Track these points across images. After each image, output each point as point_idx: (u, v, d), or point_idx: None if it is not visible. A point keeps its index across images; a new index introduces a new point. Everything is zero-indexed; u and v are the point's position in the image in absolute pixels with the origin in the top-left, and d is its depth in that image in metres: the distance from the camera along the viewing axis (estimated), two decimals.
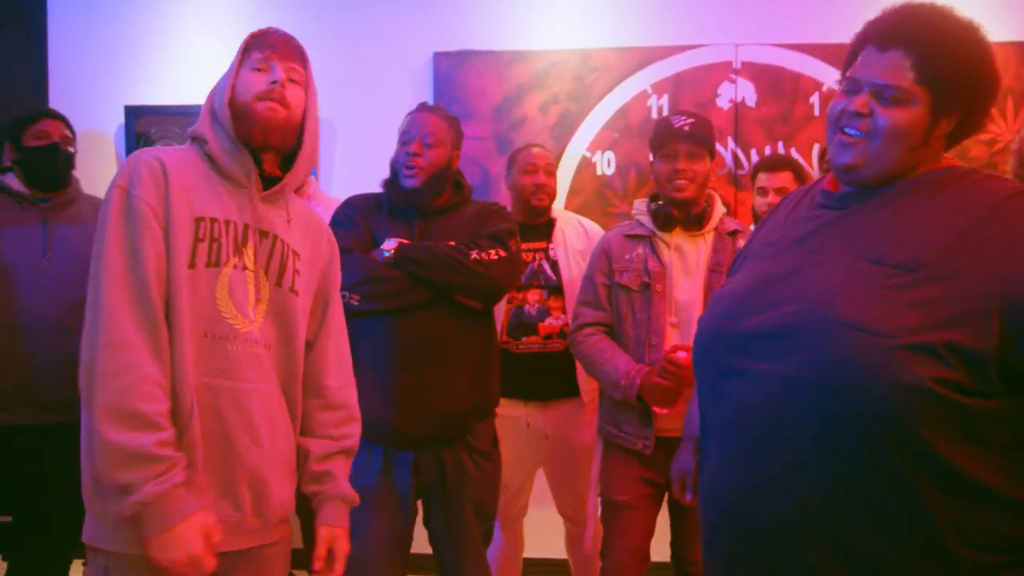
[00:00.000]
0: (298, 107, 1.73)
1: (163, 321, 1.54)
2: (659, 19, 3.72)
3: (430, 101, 3.65)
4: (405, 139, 2.40)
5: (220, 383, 1.60)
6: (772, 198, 3.14)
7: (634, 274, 2.48)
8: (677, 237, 2.50)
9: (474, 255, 2.27)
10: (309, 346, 1.81)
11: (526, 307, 2.93)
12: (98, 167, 3.86)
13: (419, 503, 2.46)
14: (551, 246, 2.99)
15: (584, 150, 3.72)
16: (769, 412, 1.28)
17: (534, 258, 2.97)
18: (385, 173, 3.23)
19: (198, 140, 1.71)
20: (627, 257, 2.51)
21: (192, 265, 1.59)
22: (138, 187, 1.57)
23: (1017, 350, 1.14)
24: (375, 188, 3.14)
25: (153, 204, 1.56)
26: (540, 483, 3.14)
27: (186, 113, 3.79)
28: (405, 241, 2.32)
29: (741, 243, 2.41)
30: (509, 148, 3.65)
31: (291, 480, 1.75)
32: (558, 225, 3.05)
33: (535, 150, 3.10)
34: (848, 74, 1.36)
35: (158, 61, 3.90)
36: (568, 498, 3.03)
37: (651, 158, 2.55)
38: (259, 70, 1.70)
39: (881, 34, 1.33)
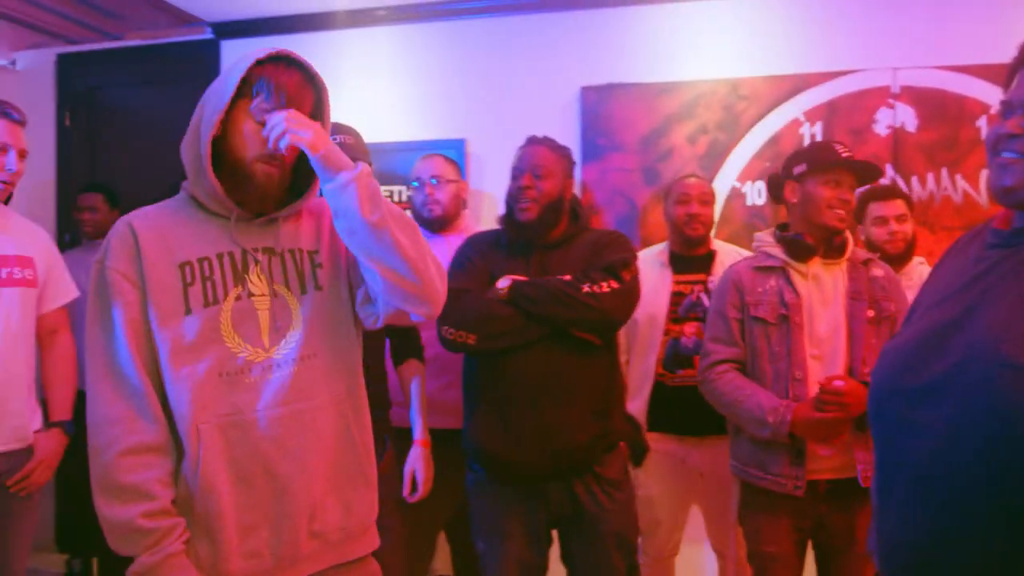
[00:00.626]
0: (292, 153, 1.61)
1: (147, 384, 1.52)
2: (811, 45, 3.64)
3: (578, 134, 3.75)
4: (516, 173, 2.43)
5: (247, 418, 1.55)
6: (894, 226, 3.06)
7: (769, 307, 2.40)
8: (814, 267, 2.42)
9: (586, 288, 2.26)
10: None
11: (683, 339, 2.90)
12: None
13: (554, 533, 2.46)
14: (710, 279, 2.96)
15: (734, 180, 3.67)
16: (940, 466, 1.24)
17: (692, 290, 2.94)
18: None
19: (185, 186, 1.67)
20: (760, 290, 2.43)
21: (189, 311, 1.55)
22: (109, 257, 1.56)
23: None
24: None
25: (124, 269, 1.54)
26: (691, 520, 3.09)
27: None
28: (520, 278, 2.33)
29: (875, 271, 2.40)
30: (656, 180, 3.65)
31: (359, 489, 1.68)
32: (719, 258, 3.02)
33: (690, 180, 3.10)
34: (1003, 98, 1.32)
35: None
36: (721, 535, 2.96)
37: (794, 172, 2.47)
38: (261, 123, 1.57)
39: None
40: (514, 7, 3.92)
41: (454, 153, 3.85)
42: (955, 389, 1.23)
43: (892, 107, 3.51)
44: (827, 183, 2.40)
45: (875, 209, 3.10)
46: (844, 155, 2.39)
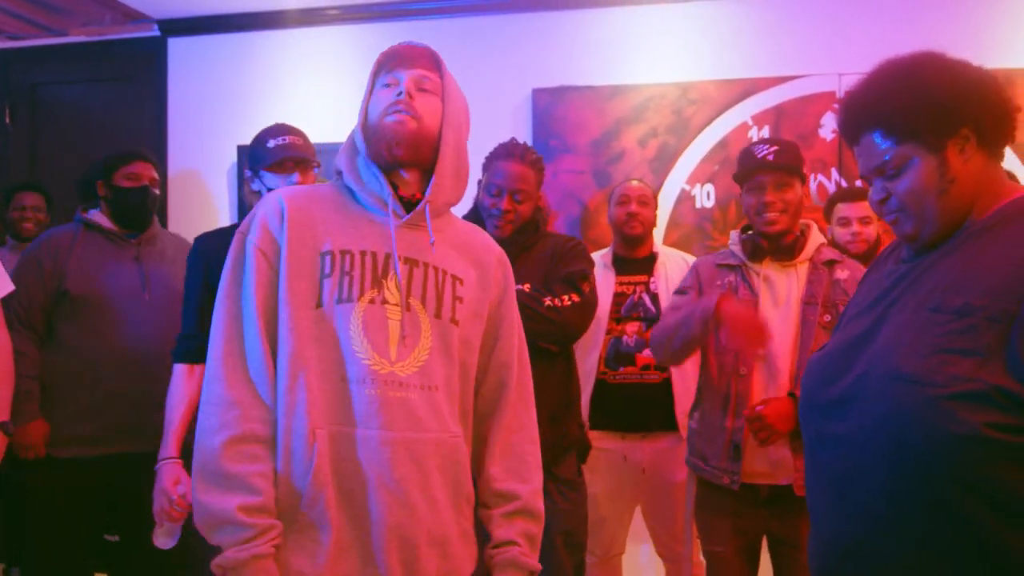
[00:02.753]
0: (432, 117, 1.58)
1: (270, 371, 1.45)
2: (759, 51, 3.70)
3: (529, 136, 3.75)
4: (493, 190, 2.40)
5: (358, 433, 1.44)
6: (856, 227, 3.09)
7: None
8: (767, 268, 2.41)
9: (547, 301, 2.28)
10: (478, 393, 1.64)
11: (624, 338, 2.95)
12: (211, 203, 4.05)
13: None
14: (652, 279, 3.01)
15: (683, 183, 3.71)
16: (846, 477, 1.30)
17: (635, 290, 2.99)
18: None
19: (337, 172, 1.62)
20: (718, 283, 2.44)
21: (319, 304, 1.47)
22: (253, 231, 1.51)
23: None
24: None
25: (265, 248, 1.49)
26: (639, 519, 3.11)
27: None
28: None
29: (839, 274, 2.36)
30: (607, 182, 3.68)
31: (460, 544, 1.55)
32: (660, 259, 3.07)
33: (631, 183, 3.17)
34: (859, 175, 1.46)
35: (267, 102, 4.06)
36: (665, 537, 2.99)
37: (736, 181, 2.49)
38: (388, 86, 1.59)
39: (849, 133, 1.41)
40: (466, 9, 3.93)
41: None
42: (858, 401, 1.29)
43: (837, 112, 3.57)
44: (750, 190, 2.41)
45: (841, 210, 3.15)
46: (760, 156, 2.38)
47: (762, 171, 2.37)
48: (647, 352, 2.91)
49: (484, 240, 1.73)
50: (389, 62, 1.61)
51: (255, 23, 4.08)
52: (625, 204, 3.08)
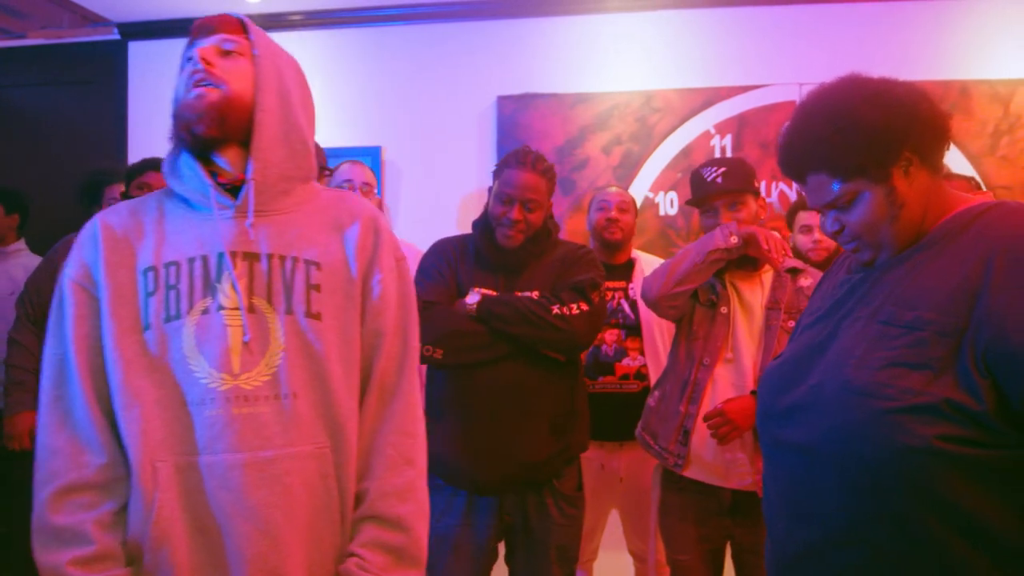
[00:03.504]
0: (240, 82, 1.39)
1: (96, 412, 1.32)
2: (722, 60, 3.74)
3: (494, 143, 3.76)
4: (504, 199, 2.36)
5: (205, 460, 1.30)
6: (818, 235, 3.13)
7: (703, 289, 2.44)
8: (731, 277, 2.46)
9: (555, 310, 2.26)
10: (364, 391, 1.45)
11: (603, 347, 2.93)
12: None
13: (501, 544, 2.46)
14: (630, 286, 3.01)
15: (647, 190, 3.74)
16: (802, 485, 1.32)
17: (613, 297, 2.98)
18: (449, 214, 3.28)
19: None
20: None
21: (148, 327, 1.33)
22: (69, 266, 1.38)
23: (1014, 402, 1.12)
24: (440, 227, 3.19)
25: (80, 279, 1.36)
26: (611, 526, 3.12)
27: None
28: (489, 293, 2.32)
29: (803, 281, 2.41)
30: (572, 189, 3.69)
31: (333, 564, 1.39)
32: (638, 265, 3.08)
33: (611, 189, 3.19)
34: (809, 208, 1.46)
35: None
36: (638, 539, 3.00)
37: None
38: (188, 60, 1.42)
39: (791, 174, 1.42)
40: (431, 15, 3.92)
41: (370, 160, 3.83)
42: (811, 411, 1.31)
43: (777, 153, 3.60)
44: (705, 213, 2.48)
45: (803, 218, 3.19)
46: (709, 179, 2.42)
47: (714, 195, 2.42)
48: (626, 361, 2.92)
49: (352, 206, 1.51)
50: (189, 39, 1.45)
51: None
52: (605, 210, 3.08)
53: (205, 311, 1.34)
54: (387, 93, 3.96)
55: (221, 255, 1.36)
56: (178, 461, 1.31)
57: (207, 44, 1.41)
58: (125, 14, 4.08)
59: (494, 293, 2.33)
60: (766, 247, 2.34)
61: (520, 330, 2.25)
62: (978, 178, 3.43)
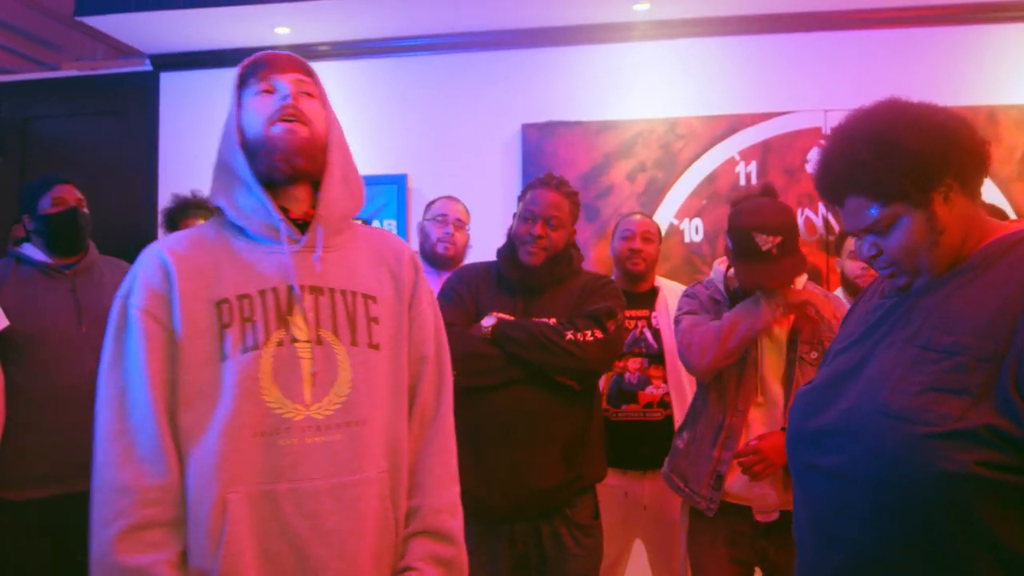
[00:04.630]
0: (319, 123, 1.45)
1: (166, 445, 1.31)
2: (746, 87, 3.75)
3: (519, 170, 3.78)
4: (528, 216, 2.39)
5: (280, 488, 1.32)
6: None
7: None
8: None
9: (569, 336, 2.26)
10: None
11: (626, 375, 2.92)
12: None
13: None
14: (654, 314, 2.99)
15: (672, 217, 3.74)
16: (833, 508, 1.30)
17: (636, 325, 2.96)
18: (476, 242, 3.29)
19: (218, 208, 1.46)
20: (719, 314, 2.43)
21: (224, 357, 1.34)
22: (135, 294, 1.37)
23: None
24: (464, 255, 3.20)
25: (153, 310, 1.35)
26: (635, 556, 3.09)
27: None
28: (506, 317, 2.33)
29: (824, 311, 2.38)
30: (597, 216, 3.70)
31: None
32: (661, 294, 3.06)
33: (635, 217, 3.15)
34: (846, 232, 1.44)
35: None
36: (665, 570, 2.97)
37: (727, 244, 2.37)
38: (263, 92, 1.44)
39: (829, 197, 1.40)
40: (456, 45, 3.97)
41: (396, 188, 3.87)
42: (844, 435, 1.30)
43: (814, 176, 3.59)
44: (740, 269, 2.34)
45: (851, 244, 3.15)
46: (764, 248, 2.26)
47: (767, 262, 2.27)
48: (649, 389, 2.90)
49: (392, 243, 1.59)
50: (257, 69, 1.47)
51: (247, 58, 4.10)
52: (629, 240, 3.07)
53: (280, 343, 1.36)
54: (413, 122, 4.00)
55: (291, 288, 1.39)
56: (251, 491, 1.32)
57: (287, 80, 1.45)
58: (157, 46, 4.15)
59: (511, 318, 2.33)
60: (816, 316, 2.31)
61: (533, 355, 2.25)
62: (1008, 204, 3.41)
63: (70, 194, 2.78)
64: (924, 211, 1.30)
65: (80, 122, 4.48)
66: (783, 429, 2.24)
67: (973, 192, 1.33)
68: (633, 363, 2.92)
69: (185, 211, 3.26)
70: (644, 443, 2.79)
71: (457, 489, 1.54)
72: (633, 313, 2.96)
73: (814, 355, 2.33)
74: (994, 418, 1.13)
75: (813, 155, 3.62)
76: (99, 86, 4.42)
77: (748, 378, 2.38)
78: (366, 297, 1.46)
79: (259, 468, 1.32)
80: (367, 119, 4.00)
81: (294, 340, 1.37)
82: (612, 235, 3.21)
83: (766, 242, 2.25)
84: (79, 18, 3.75)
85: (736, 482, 2.31)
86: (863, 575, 1.25)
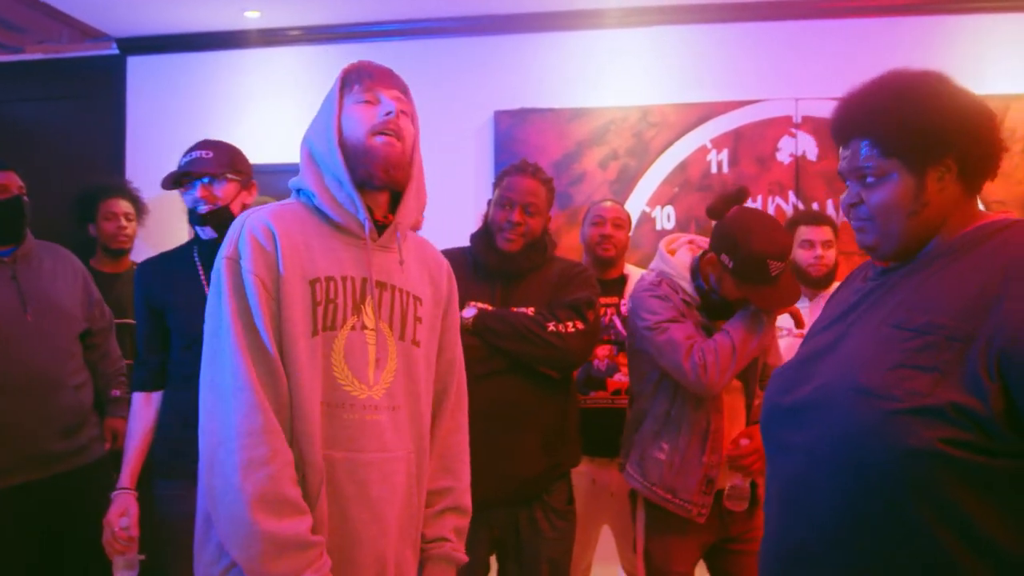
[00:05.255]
0: (409, 140, 1.59)
1: (287, 397, 1.45)
2: (718, 75, 3.76)
3: (491, 157, 3.77)
4: (505, 202, 2.40)
5: (338, 456, 1.48)
6: (820, 251, 3.13)
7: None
8: (723, 321, 2.38)
9: (551, 327, 2.27)
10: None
11: (595, 362, 2.92)
12: (170, 224, 3.99)
13: (492, 558, 2.45)
14: (622, 302, 3.00)
15: (644, 205, 3.75)
16: (800, 485, 1.31)
17: (605, 313, 2.96)
18: (446, 228, 3.28)
19: (305, 192, 1.58)
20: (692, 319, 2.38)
21: (315, 332, 1.48)
22: (247, 259, 1.46)
23: (1021, 406, 1.12)
24: (435, 241, 3.19)
25: (263, 275, 1.45)
26: (602, 542, 3.11)
27: (257, 172, 3.91)
28: (485, 307, 2.33)
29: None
30: (569, 203, 3.70)
31: (415, 548, 1.63)
32: (630, 281, 3.06)
33: (606, 203, 3.15)
34: (838, 170, 1.44)
35: (228, 122, 4.05)
36: (632, 555, 2.99)
37: (722, 260, 2.28)
38: (367, 102, 1.56)
39: (838, 134, 1.41)
40: (428, 31, 3.95)
41: None
42: (815, 411, 1.31)
43: (794, 136, 3.64)
44: (742, 289, 2.28)
45: (804, 232, 3.18)
46: (774, 274, 2.22)
47: (772, 284, 2.25)
48: (618, 377, 2.90)
49: (435, 254, 1.77)
50: (363, 78, 1.59)
51: (216, 42, 4.06)
52: (600, 225, 3.06)
53: (353, 327, 1.52)
54: None
55: (365, 280, 1.55)
56: (318, 454, 1.46)
57: (390, 97, 1.58)
58: (124, 29, 4.09)
59: (490, 308, 2.33)
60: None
61: (516, 346, 2.26)
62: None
63: (12, 181, 2.72)
64: (915, 178, 1.31)
65: (45, 107, 4.40)
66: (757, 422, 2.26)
67: (970, 185, 1.34)
68: (602, 350, 2.93)
69: (107, 192, 3.21)
70: (612, 430, 2.80)
71: (470, 471, 1.77)
72: (603, 300, 2.96)
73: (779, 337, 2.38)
74: (961, 396, 1.14)
75: (784, 143, 3.64)
76: (65, 70, 4.35)
77: None
78: (416, 298, 1.63)
79: (326, 436, 1.47)
80: None
81: (364, 327, 1.53)
82: (583, 221, 3.20)
83: (777, 268, 2.23)
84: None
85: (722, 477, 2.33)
86: (827, 550, 1.26)
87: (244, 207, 2.28)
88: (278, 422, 1.42)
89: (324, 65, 4.02)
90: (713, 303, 2.37)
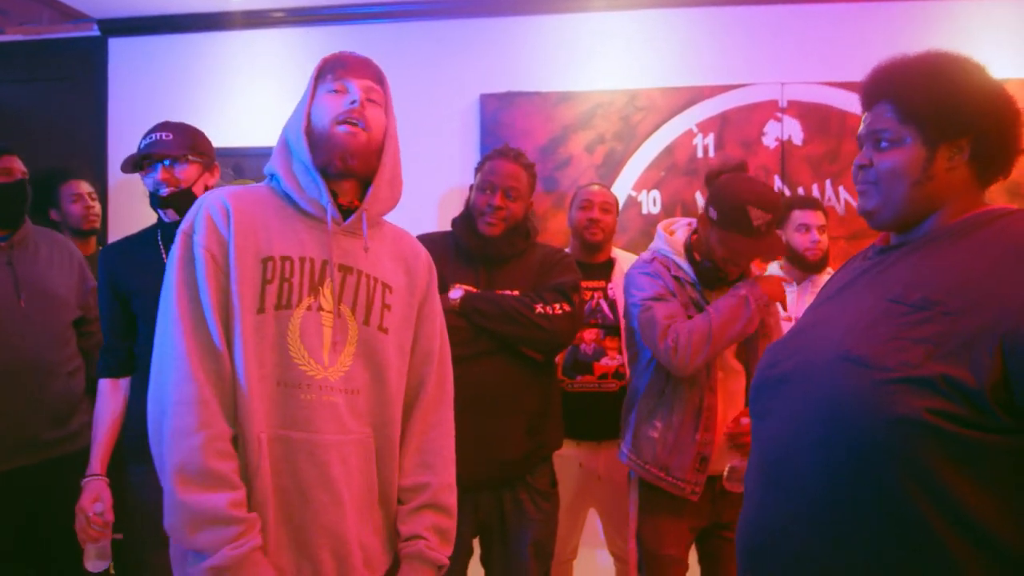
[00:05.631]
0: (379, 130, 1.63)
1: (229, 371, 1.46)
2: (705, 59, 3.75)
3: (477, 141, 3.75)
4: (487, 187, 2.41)
5: (295, 436, 1.49)
6: (816, 235, 3.17)
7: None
8: (714, 294, 2.43)
9: (539, 309, 2.29)
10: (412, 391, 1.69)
11: (582, 346, 2.93)
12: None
13: (476, 542, 2.46)
14: (610, 286, 3.01)
15: (630, 189, 3.74)
16: (782, 451, 1.33)
17: (592, 296, 2.98)
18: (432, 212, 3.28)
19: (274, 177, 1.62)
20: (680, 296, 2.42)
21: (261, 309, 1.49)
22: (200, 233, 1.50)
23: (1017, 391, 1.13)
24: (421, 225, 3.18)
25: (214, 250, 1.49)
26: (589, 525, 3.12)
27: (240, 155, 3.89)
28: (471, 289, 2.34)
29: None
30: (555, 187, 3.69)
31: (381, 536, 1.62)
32: (618, 265, 3.07)
33: (594, 187, 3.16)
34: (857, 133, 1.47)
35: (211, 105, 4.01)
36: (619, 539, 3.01)
37: (709, 214, 2.34)
38: (336, 91, 1.61)
39: (867, 96, 1.44)
40: (413, 12, 3.92)
41: None
42: (803, 380, 1.33)
43: (780, 120, 3.64)
44: (731, 245, 2.31)
45: (799, 216, 3.22)
46: (756, 224, 2.26)
47: (757, 237, 2.28)
48: (605, 361, 2.91)
49: (413, 245, 1.78)
50: (336, 68, 1.63)
51: (199, 24, 4.01)
52: (587, 209, 3.07)
53: (309, 308, 1.53)
54: None
55: (326, 262, 1.57)
56: (273, 434, 1.48)
57: (358, 85, 1.61)
58: (105, 10, 4.04)
59: (476, 290, 2.33)
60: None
61: (503, 327, 2.27)
62: None
63: (16, 166, 2.72)
64: (927, 150, 1.34)
65: (25, 89, 4.34)
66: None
67: (981, 174, 1.37)
68: (589, 334, 2.93)
69: (65, 175, 3.20)
70: (599, 414, 2.81)
71: (455, 470, 1.72)
72: (590, 284, 2.97)
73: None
74: (952, 369, 1.15)
75: (770, 127, 3.64)
76: (45, 52, 4.29)
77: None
78: (385, 286, 1.64)
79: (282, 414, 1.49)
80: None
81: (320, 308, 1.55)
82: (570, 205, 3.21)
83: (759, 218, 2.25)
84: None
85: (713, 456, 2.35)
86: (807, 521, 1.27)
87: (207, 189, 2.27)
88: (214, 395, 1.44)
89: (308, 47, 3.98)
90: (707, 274, 2.40)
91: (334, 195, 1.60)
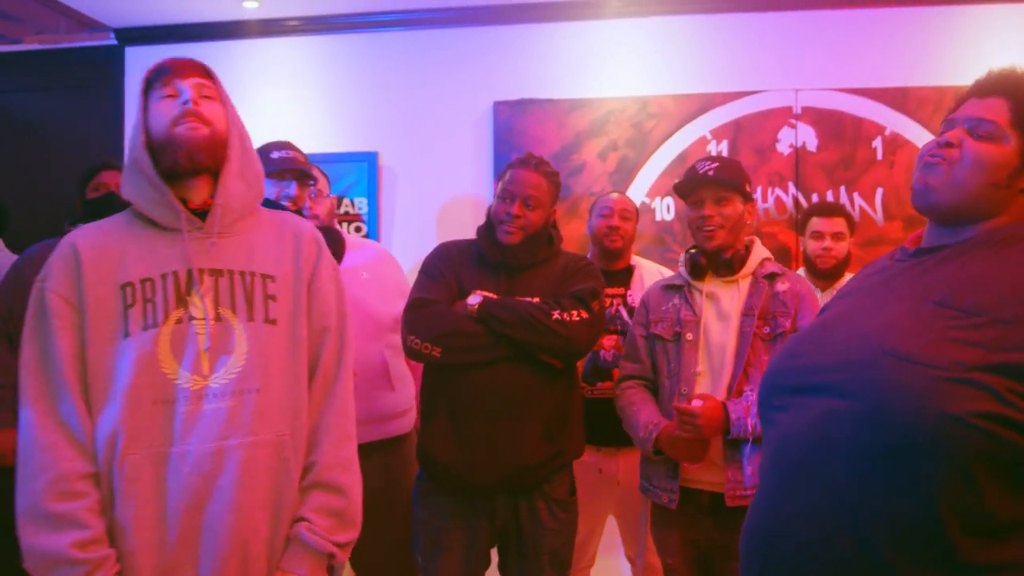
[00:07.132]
0: (219, 122, 1.63)
1: (81, 410, 1.49)
2: (717, 66, 3.75)
3: (490, 148, 3.77)
4: (506, 196, 2.41)
5: (177, 450, 1.50)
6: (828, 243, 3.16)
7: (668, 324, 2.44)
8: (710, 284, 2.43)
9: (556, 315, 2.28)
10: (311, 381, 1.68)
11: (602, 352, 2.94)
12: None
13: (494, 550, 2.46)
14: (629, 292, 3.02)
15: (643, 196, 3.74)
16: (810, 442, 1.29)
17: (612, 303, 2.98)
18: (446, 218, 3.29)
19: (130, 200, 1.63)
20: (663, 308, 2.47)
21: (127, 334, 1.52)
22: (49, 279, 1.54)
23: None
24: (435, 233, 3.20)
25: (64, 292, 1.52)
26: (607, 532, 3.12)
27: None
28: (490, 295, 2.34)
29: (779, 286, 2.38)
30: (568, 194, 3.70)
31: (284, 526, 1.61)
32: (637, 272, 3.08)
33: (613, 195, 3.18)
34: (946, 117, 1.43)
35: None
36: (636, 545, 3.00)
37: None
38: (167, 96, 1.60)
39: (982, 86, 1.40)
40: (427, 21, 3.93)
41: (366, 166, 3.84)
42: (837, 375, 1.29)
43: (794, 127, 3.63)
44: (693, 204, 2.44)
45: (815, 224, 3.22)
46: (701, 171, 2.40)
47: (703, 186, 2.40)
48: None
49: (296, 225, 1.75)
50: (161, 75, 1.63)
51: (214, 33, 4.04)
52: (608, 217, 3.09)
53: (179, 321, 1.54)
54: (384, 99, 3.97)
55: (190, 272, 1.57)
56: (150, 452, 1.49)
57: (188, 84, 1.61)
58: (122, 19, 4.08)
59: (495, 296, 2.34)
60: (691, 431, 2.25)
61: (520, 334, 2.27)
62: None
63: (111, 179, 2.86)
64: (1019, 156, 1.32)
65: (43, 97, 4.39)
66: (723, 404, 2.25)
67: None
68: (608, 340, 2.94)
69: (107, 166, 3.23)
70: (618, 420, 2.81)
71: (352, 447, 1.69)
72: (609, 291, 2.97)
73: (766, 330, 2.35)
74: (1009, 379, 1.13)
75: (784, 134, 3.63)
76: (63, 60, 4.34)
77: (687, 363, 2.39)
78: (264, 277, 1.63)
79: (158, 432, 1.50)
80: (337, 95, 3.96)
81: (192, 318, 1.55)
82: (589, 213, 3.22)
83: (704, 166, 2.42)
84: None
85: (691, 471, 2.34)
86: (830, 507, 1.24)
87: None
88: (63, 437, 1.47)
89: (323, 56, 4.00)
90: (695, 263, 2.45)
91: (184, 201, 1.60)
